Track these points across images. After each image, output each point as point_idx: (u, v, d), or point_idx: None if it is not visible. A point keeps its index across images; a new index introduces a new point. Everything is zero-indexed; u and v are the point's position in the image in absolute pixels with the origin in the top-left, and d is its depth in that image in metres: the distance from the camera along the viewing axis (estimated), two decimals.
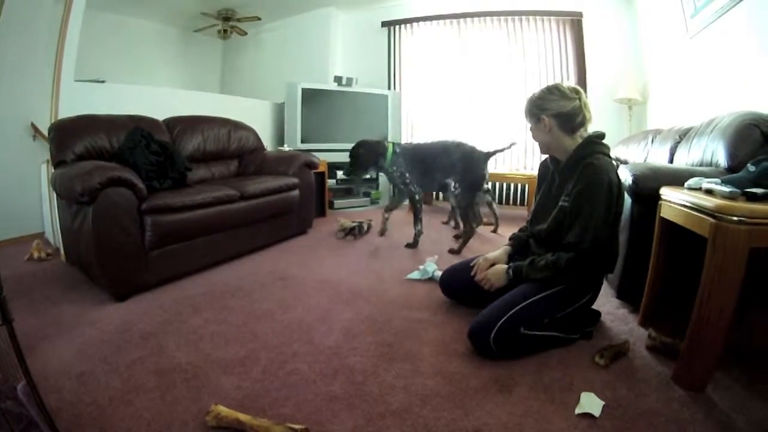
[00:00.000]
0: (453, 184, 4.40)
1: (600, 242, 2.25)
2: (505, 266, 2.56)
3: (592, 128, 2.43)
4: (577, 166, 2.33)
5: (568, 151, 2.40)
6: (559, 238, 2.37)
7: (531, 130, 2.55)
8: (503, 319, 2.19)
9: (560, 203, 2.39)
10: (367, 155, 4.53)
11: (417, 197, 4.54)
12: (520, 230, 2.85)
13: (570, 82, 2.47)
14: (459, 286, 2.91)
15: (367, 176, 6.29)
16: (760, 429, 1.69)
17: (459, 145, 4.40)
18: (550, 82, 2.52)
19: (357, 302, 3.01)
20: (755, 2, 3.25)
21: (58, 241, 3.88)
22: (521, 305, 2.26)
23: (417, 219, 4.58)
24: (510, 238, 2.87)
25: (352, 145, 4.66)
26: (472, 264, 2.77)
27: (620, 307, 2.88)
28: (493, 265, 2.65)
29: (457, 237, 4.83)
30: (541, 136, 2.47)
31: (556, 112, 2.35)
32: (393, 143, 4.61)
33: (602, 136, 2.41)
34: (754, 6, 3.27)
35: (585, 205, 2.23)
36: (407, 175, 4.49)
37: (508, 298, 2.34)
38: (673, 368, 2.07)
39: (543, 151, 2.62)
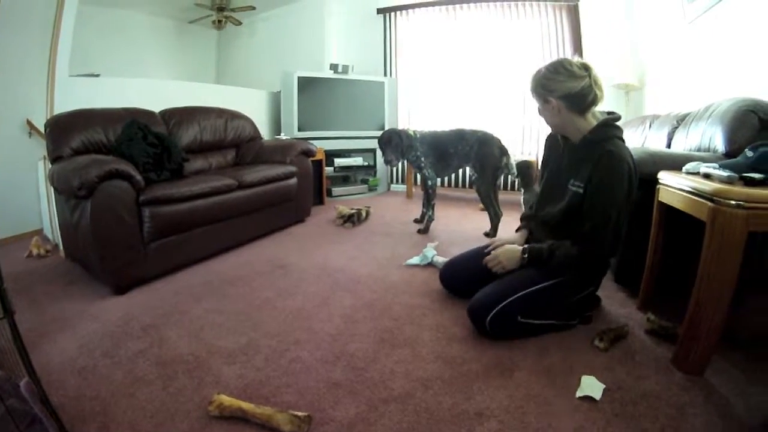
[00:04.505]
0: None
1: (618, 234, 2.22)
2: (519, 248, 2.44)
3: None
4: (592, 150, 2.23)
5: (581, 131, 2.29)
6: (568, 225, 2.31)
7: (538, 110, 2.39)
8: (502, 305, 2.19)
9: (572, 188, 2.30)
10: (399, 143, 4.53)
11: (430, 182, 4.56)
12: (531, 208, 2.79)
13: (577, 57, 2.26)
14: (460, 280, 2.82)
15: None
16: (759, 413, 1.71)
17: (474, 132, 4.41)
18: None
19: (356, 289, 3.03)
20: None
21: (56, 236, 3.87)
22: (523, 293, 2.23)
23: (429, 204, 4.62)
24: (522, 219, 2.81)
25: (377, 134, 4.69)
26: (486, 251, 2.63)
27: (619, 291, 2.90)
28: None
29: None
30: (550, 117, 2.34)
31: (564, 93, 2.19)
32: (414, 130, 4.65)
33: (618, 118, 2.31)
34: None
35: (604, 197, 2.16)
36: (423, 159, 4.53)
37: (511, 281, 2.32)
38: (672, 352, 2.09)
39: (554, 131, 2.52)
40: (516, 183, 6.31)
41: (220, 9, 7.51)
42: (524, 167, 4.05)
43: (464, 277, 2.75)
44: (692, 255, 1.91)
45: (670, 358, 2.07)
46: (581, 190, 2.25)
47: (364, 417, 1.70)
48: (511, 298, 2.21)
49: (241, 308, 2.72)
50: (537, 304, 2.26)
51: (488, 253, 2.55)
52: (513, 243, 2.59)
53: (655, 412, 1.71)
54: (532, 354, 2.15)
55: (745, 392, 1.84)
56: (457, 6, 6.86)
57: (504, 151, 4.31)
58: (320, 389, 1.88)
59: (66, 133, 3.47)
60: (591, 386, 1.85)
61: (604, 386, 1.85)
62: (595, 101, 2.22)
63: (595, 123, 2.27)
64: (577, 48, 6.14)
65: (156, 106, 4.54)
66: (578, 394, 1.82)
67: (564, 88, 2.19)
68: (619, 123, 2.30)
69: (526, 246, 2.44)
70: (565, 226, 2.34)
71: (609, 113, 2.33)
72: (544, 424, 1.66)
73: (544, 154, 2.73)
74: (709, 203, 1.79)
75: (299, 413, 1.62)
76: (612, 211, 2.14)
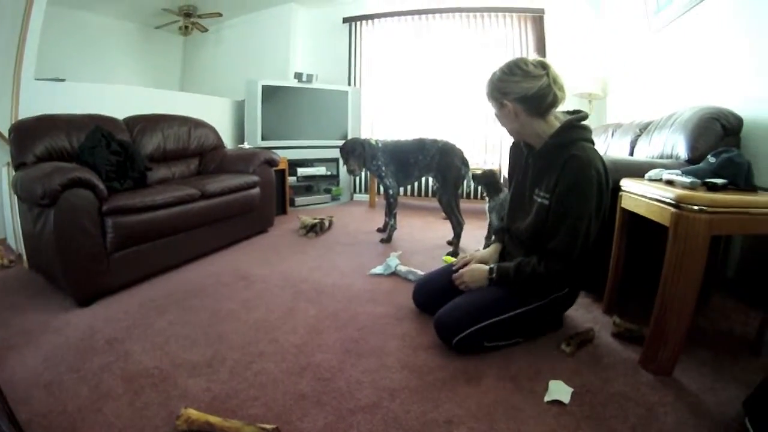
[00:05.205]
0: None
1: (590, 244, 2.09)
2: (486, 268, 2.35)
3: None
4: (556, 155, 2.08)
5: (543, 136, 2.15)
6: (540, 240, 2.18)
7: (496, 116, 2.24)
8: (469, 331, 2.13)
9: (539, 200, 2.17)
10: (362, 152, 4.54)
11: (391, 192, 4.56)
12: (502, 219, 2.68)
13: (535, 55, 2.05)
14: (434, 299, 2.51)
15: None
16: (730, 409, 1.75)
17: (435, 142, 4.39)
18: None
19: (321, 299, 3.01)
20: (716, 3, 3.34)
21: (20, 246, 3.76)
22: (492, 320, 2.15)
23: (391, 213, 4.64)
24: (495, 233, 2.71)
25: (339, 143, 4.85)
26: (454, 267, 2.55)
27: (584, 296, 2.92)
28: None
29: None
30: (508, 123, 2.18)
31: (520, 95, 2.05)
32: (376, 140, 4.67)
33: (584, 117, 2.18)
34: (714, 6, 3.35)
35: (573, 207, 2.01)
36: (384, 168, 4.53)
37: (482, 302, 2.22)
38: (639, 353, 2.12)
39: (514, 138, 2.38)
40: (479, 192, 6.36)
41: (187, 15, 7.45)
42: (488, 175, 4.07)
43: (439, 296, 2.46)
44: (655, 258, 1.95)
45: (638, 359, 2.10)
46: (547, 201, 2.12)
47: (332, 428, 1.69)
48: (480, 325, 2.14)
49: (205, 320, 2.68)
50: (506, 331, 2.21)
51: (457, 270, 2.48)
52: (486, 259, 2.53)
53: (625, 412, 1.74)
54: (499, 361, 2.16)
55: (715, 388, 1.89)
56: (423, 16, 6.91)
57: (465, 162, 4.32)
58: (287, 401, 1.86)
59: (30, 139, 3.41)
60: (559, 390, 1.86)
61: (573, 390, 1.87)
62: (555, 102, 2.08)
63: (558, 126, 2.14)
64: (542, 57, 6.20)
65: (120, 113, 4.48)
66: (547, 398, 1.83)
67: (520, 90, 2.05)
68: (586, 123, 2.18)
69: (493, 266, 2.33)
70: (537, 241, 2.21)
71: (574, 112, 2.23)
72: (514, 429, 1.67)
73: (509, 164, 2.59)
74: (672, 209, 1.83)
75: (267, 426, 1.61)
76: (580, 224, 2.02)
